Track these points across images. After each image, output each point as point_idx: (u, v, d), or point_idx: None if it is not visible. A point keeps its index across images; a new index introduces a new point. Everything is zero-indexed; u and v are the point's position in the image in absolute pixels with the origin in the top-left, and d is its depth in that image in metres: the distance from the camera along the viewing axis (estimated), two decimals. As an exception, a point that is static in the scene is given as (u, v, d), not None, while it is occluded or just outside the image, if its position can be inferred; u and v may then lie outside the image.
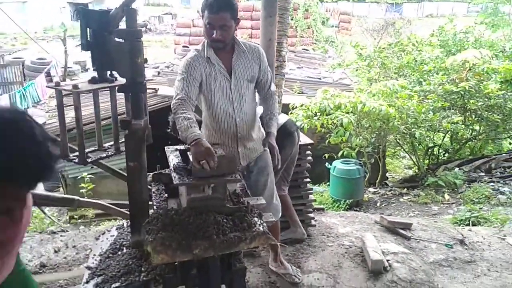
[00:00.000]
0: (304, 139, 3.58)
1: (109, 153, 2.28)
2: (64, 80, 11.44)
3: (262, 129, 2.82)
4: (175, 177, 2.01)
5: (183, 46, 18.61)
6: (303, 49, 17.23)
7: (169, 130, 3.17)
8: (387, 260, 3.24)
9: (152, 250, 1.84)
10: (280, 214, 3.01)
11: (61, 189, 8.16)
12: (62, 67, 12.96)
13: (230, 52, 2.55)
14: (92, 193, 4.62)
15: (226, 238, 1.91)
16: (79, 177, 5.45)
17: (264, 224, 2.07)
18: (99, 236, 2.50)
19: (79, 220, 5.08)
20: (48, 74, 12.31)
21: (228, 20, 2.39)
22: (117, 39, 2.03)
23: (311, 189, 3.65)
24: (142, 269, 2.08)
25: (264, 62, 2.65)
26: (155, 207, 2.18)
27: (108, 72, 2.21)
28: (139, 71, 2.00)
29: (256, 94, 2.76)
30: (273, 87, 2.75)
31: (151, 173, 2.47)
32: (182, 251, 1.86)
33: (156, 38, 27.13)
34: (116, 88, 2.14)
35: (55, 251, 3.49)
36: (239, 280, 2.11)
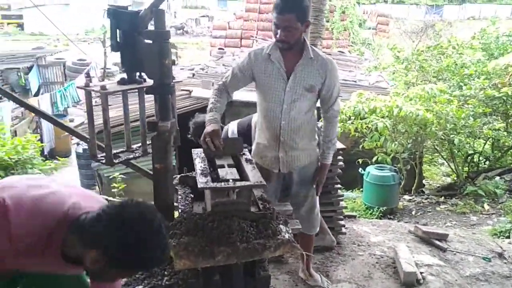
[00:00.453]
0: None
1: (136, 155, 2.27)
2: (102, 80, 11.74)
3: (315, 143, 2.73)
4: (199, 180, 1.97)
5: (219, 48, 18.76)
6: (338, 51, 16.98)
7: (189, 136, 3.16)
8: (421, 273, 3.10)
9: (175, 255, 1.81)
10: (318, 229, 2.94)
11: (96, 187, 8.36)
12: (102, 68, 13.31)
13: (298, 56, 2.51)
14: (123, 193, 4.67)
15: (250, 245, 1.86)
16: (111, 176, 5.53)
17: (290, 231, 2.01)
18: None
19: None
20: (87, 75, 12.64)
21: (293, 22, 2.35)
22: (146, 40, 2.02)
23: (342, 195, 3.55)
24: (165, 272, 2.06)
25: (331, 78, 2.54)
26: (180, 210, 2.15)
27: (138, 74, 2.21)
28: (167, 72, 1.98)
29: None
30: (336, 107, 2.64)
31: (178, 176, 2.45)
32: (205, 257, 1.82)
33: (193, 40, 27.48)
34: (144, 89, 2.12)
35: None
36: (263, 289, 2.05)
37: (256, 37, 17.79)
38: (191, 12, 38.12)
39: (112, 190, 4.76)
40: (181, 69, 12.42)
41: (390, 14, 29.51)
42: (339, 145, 3.51)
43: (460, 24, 23.39)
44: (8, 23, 31.37)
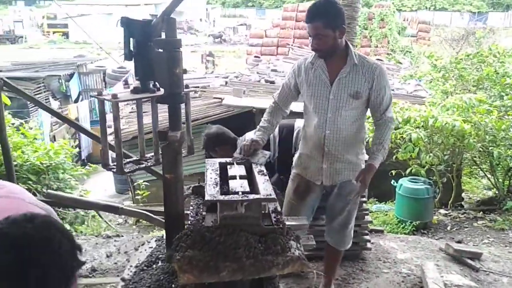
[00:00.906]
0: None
1: (149, 164, 2.25)
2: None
3: (362, 158, 2.63)
4: (207, 192, 1.92)
5: (255, 56, 18.85)
6: (377, 59, 16.71)
7: (202, 148, 3.13)
8: (450, 294, 2.92)
9: (179, 269, 1.76)
10: (349, 246, 2.83)
11: (130, 193, 8.50)
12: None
13: (342, 63, 2.44)
14: (146, 200, 4.70)
15: (257, 262, 1.78)
16: (135, 183, 5.59)
17: (301, 248, 1.92)
18: (139, 246, 2.48)
19: (135, 226, 5.21)
20: (125, 82, 12.93)
21: (321, 29, 2.31)
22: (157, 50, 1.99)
23: (367, 209, 3.40)
24: (173, 286, 2.02)
25: (379, 83, 2.42)
26: (189, 222, 2.10)
27: (152, 83, 2.19)
28: (177, 81, 1.95)
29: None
30: (389, 114, 2.50)
31: (192, 185, 2.41)
32: (209, 273, 1.76)
33: (230, 48, 27.78)
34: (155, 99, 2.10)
35: (107, 256, 3.56)
36: (271, 306, 1.97)
37: (292, 45, 17.75)
38: (230, 21, 38.61)
39: (136, 196, 4.80)
40: (216, 77, 12.53)
41: (432, 21, 28.80)
42: (365, 156, 3.38)
43: (504, 31, 22.44)
44: (54, 32, 32.81)
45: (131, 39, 2.07)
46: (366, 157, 2.67)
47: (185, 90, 2.17)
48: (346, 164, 2.54)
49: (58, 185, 4.80)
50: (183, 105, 2.19)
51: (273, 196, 1.93)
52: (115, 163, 2.14)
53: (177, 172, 2.07)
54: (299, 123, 3.31)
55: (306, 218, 2.51)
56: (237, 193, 1.96)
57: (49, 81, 11.69)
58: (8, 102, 4.58)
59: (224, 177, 2.16)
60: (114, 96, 1.99)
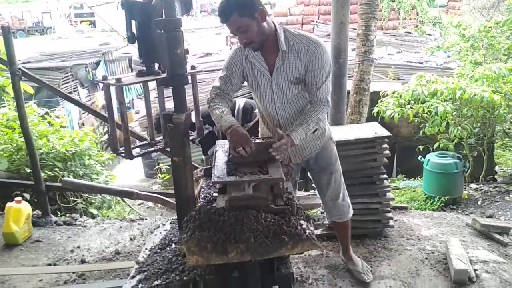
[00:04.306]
0: (380, 131, 3.26)
1: (158, 147, 2.24)
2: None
3: (324, 125, 2.55)
4: (214, 173, 1.90)
5: (279, 35, 18.52)
6: (405, 32, 16.16)
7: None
8: (475, 270, 2.82)
9: (187, 251, 1.76)
10: (350, 214, 2.78)
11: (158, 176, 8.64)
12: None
13: (276, 50, 2.31)
14: (168, 183, 4.74)
15: (265, 242, 1.76)
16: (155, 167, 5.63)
17: (312, 228, 1.88)
18: (154, 229, 2.50)
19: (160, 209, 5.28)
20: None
21: (239, 21, 2.14)
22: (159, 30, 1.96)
23: (388, 186, 3.31)
24: (184, 267, 2.02)
25: (315, 63, 2.27)
26: (200, 203, 2.09)
27: (157, 65, 2.17)
28: (179, 62, 1.91)
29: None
30: (321, 94, 2.32)
31: (203, 168, 2.40)
32: (217, 254, 1.75)
33: (255, 28, 27.41)
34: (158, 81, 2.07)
35: (131, 239, 3.62)
36: (284, 288, 1.94)
37: (317, 22, 17.40)
38: (254, 0, 38.05)
39: (157, 180, 4.84)
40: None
41: (463, -11, 27.51)
42: (384, 132, 3.28)
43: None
44: (81, 21, 33.31)
45: (132, 21, 2.05)
46: (328, 126, 2.63)
47: (190, 71, 2.14)
48: (305, 141, 2.44)
49: (84, 171, 4.90)
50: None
51: (282, 176, 1.89)
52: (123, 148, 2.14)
53: (184, 154, 2.05)
54: (239, 102, 3.66)
55: (326, 196, 2.47)
56: (245, 174, 1.94)
57: (77, 70, 11.91)
58: (30, 90, 4.68)
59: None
60: (118, 80, 1.97)
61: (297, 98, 2.39)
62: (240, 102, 3.68)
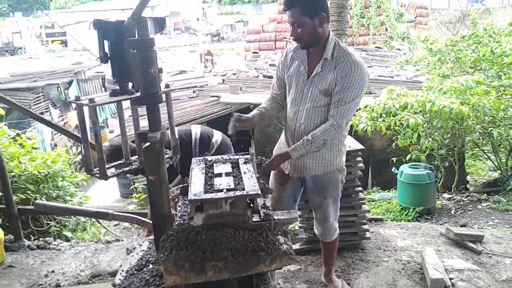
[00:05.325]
0: (353, 145, 3.32)
1: (133, 167, 2.22)
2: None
3: (333, 154, 2.52)
4: (190, 192, 1.90)
5: (253, 52, 18.78)
6: (375, 47, 16.56)
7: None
8: (450, 279, 2.88)
9: (165, 271, 1.74)
10: (334, 237, 2.80)
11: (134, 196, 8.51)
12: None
13: (320, 56, 2.35)
14: (144, 203, 4.69)
15: (243, 259, 1.76)
16: (135, 186, 5.57)
17: (289, 242, 1.89)
18: (131, 250, 2.46)
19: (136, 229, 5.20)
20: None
21: (297, 17, 2.23)
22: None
23: (363, 198, 3.36)
24: (162, 288, 1.99)
25: (345, 81, 2.28)
26: (177, 222, 2.08)
27: (131, 84, 2.17)
28: (152, 81, 1.91)
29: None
30: (338, 117, 2.33)
31: (180, 186, 2.39)
32: (196, 273, 1.74)
33: (229, 46, 27.73)
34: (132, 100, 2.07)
35: (107, 261, 3.55)
36: (263, 303, 1.94)
37: (289, 39, 17.66)
38: (227, 19, 38.49)
39: (132, 200, 4.79)
40: (214, 75, 12.51)
41: (430, 5, 28.46)
42: (358, 145, 3.35)
43: (501, 11, 22.15)
44: (53, 41, 32.90)
45: (105, 41, 2.04)
46: (343, 158, 2.62)
47: (164, 89, 2.14)
48: (313, 159, 2.48)
49: (58, 193, 4.79)
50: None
51: (258, 192, 1.90)
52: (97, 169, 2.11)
53: (160, 173, 2.04)
54: (195, 129, 3.55)
55: (295, 211, 2.49)
56: (221, 190, 1.94)
57: (48, 90, 11.70)
58: (1, 112, 4.59)
59: (210, 175, 2.13)
60: (91, 100, 1.95)
61: (321, 110, 2.39)
62: (196, 130, 3.53)
